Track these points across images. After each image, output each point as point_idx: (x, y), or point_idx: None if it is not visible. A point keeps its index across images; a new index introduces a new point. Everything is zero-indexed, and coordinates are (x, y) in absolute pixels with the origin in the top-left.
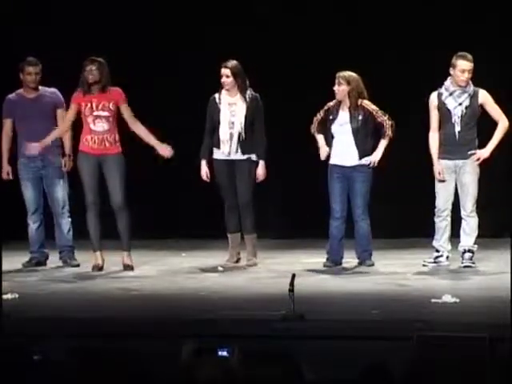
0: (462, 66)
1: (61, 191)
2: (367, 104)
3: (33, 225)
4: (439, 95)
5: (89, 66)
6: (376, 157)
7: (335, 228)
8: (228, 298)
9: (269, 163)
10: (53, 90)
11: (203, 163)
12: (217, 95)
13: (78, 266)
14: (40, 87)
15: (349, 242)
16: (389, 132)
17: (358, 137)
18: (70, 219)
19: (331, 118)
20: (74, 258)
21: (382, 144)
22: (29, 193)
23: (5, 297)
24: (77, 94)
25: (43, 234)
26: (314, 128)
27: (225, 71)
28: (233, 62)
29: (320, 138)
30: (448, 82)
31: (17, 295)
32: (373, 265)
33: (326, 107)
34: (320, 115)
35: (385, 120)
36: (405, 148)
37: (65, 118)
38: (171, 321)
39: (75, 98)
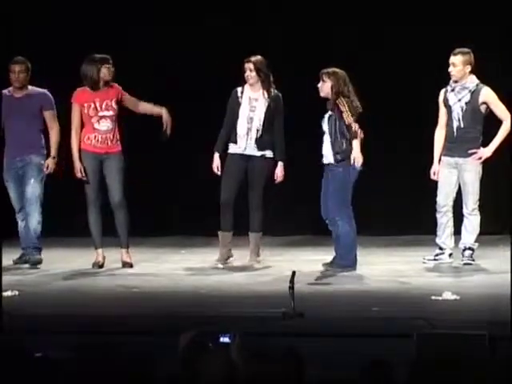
0: (449, 60)
1: (31, 190)
2: (341, 103)
3: (21, 222)
4: (445, 92)
5: (104, 64)
6: (355, 157)
7: (329, 228)
8: (228, 295)
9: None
10: (42, 90)
11: (216, 156)
12: (239, 89)
13: (40, 262)
14: (30, 87)
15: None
16: (357, 132)
17: (331, 136)
18: (39, 219)
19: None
20: (38, 254)
21: (356, 144)
22: (12, 193)
23: (5, 294)
24: (80, 94)
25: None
26: None
27: (248, 65)
28: (257, 57)
29: None
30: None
31: (17, 292)
32: (341, 272)
33: None
34: None
35: (351, 123)
36: (408, 144)
37: (73, 121)
38: (171, 318)
39: (78, 98)
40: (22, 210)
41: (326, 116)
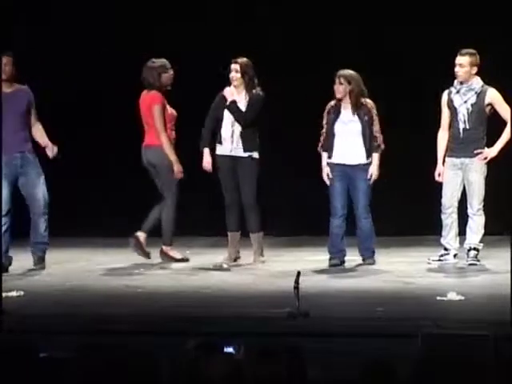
0: (455, 61)
1: (41, 191)
2: (372, 106)
3: (4, 227)
4: (449, 93)
5: (164, 69)
6: (374, 171)
7: (336, 227)
8: (232, 295)
9: (273, 161)
10: (26, 86)
11: (206, 152)
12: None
13: (43, 268)
14: (16, 84)
15: (351, 240)
16: (382, 145)
17: (365, 136)
18: (47, 216)
19: (333, 117)
20: (44, 255)
21: (376, 157)
22: (4, 190)
23: (10, 294)
24: (161, 96)
25: (9, 237)
26: (320, 145)
27: (234, 66)
28: (243, 59)
29: (324, 157)
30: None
31: (22, 292)
32: (373, 263)
33: (326, 110)
34: (324, 129)
35: (377, 131)
36: (414, 145)
37: (163, 123)
38: (175, 318)
39: (162, 100)
40: (8, 214)
41: (350, 116)
